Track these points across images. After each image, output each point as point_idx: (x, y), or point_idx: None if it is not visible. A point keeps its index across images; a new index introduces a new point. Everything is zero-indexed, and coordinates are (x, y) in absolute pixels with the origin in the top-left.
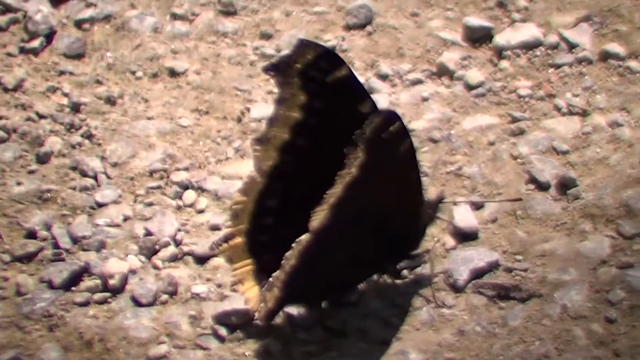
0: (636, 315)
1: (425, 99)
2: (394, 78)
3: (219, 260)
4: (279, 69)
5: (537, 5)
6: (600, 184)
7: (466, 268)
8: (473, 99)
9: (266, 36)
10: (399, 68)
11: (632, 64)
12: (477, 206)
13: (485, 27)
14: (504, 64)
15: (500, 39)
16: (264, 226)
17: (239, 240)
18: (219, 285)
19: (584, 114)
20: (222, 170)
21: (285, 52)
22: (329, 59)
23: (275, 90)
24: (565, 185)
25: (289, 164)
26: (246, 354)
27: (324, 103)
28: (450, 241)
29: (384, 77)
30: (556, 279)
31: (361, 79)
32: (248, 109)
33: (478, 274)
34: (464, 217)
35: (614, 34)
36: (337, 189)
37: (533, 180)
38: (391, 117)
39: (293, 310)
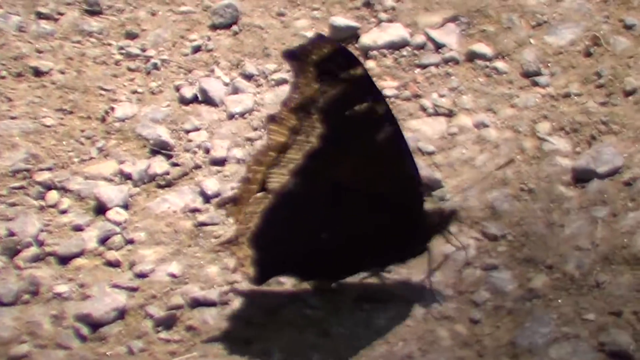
0: (500, 316)
1: None
2: (259, 78)
3: (81, 261)
4: (296, 57)
5: (404, 5)
6: (466, 186)
7: None
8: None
9: (132, 35)
10: (264, 68)
11: (499, 64)
12: None
13: (352, 27)
14: (371, 63)
15: (366, 39)
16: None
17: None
18: (81, 285)
19: (450, 114)
20: (85, 170)
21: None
22: (345, 56)
23: (145, 86)
24: (430, 187)
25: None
26: (107, 353)
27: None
28: None
29: (249, 77)
30: (420, 280)
31: (226, 79)
32: (112, 109)
33: None
34: None
35: (481, 34)
36: (296, 155)
37: None
38: (360, 94)
39: (153, 309)
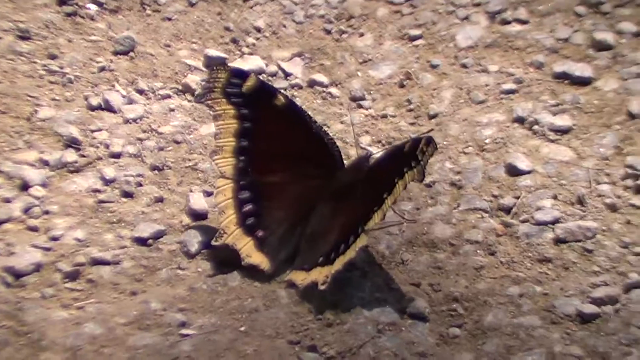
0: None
1: (172, 110)
2: (149, 93)
3: (8, 226)
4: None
5: (262, 43)
6: None
7: (197, 240)
8: (208, 111)
9: (53, 56)
10: (153, 85)
11: (333, 90)
12: (208, 193)
13: (221, 57)
14: None
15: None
16: (247, 213)
17: (234, 228)
18: (8, 244)
19: None
20: (14, 157)
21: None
22: (238, 74)
23: (61, 95)
24: None
25: (244, 163)
26: (26, 297)
27: (248, 109)
28: (186, 219)
29: (141, 92)
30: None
31: (124, 92)
32: (36, 111)
33: (206, 245)
34: (198, 201)
35: (320, 67)
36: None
37: None
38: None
39: (62, 265)
